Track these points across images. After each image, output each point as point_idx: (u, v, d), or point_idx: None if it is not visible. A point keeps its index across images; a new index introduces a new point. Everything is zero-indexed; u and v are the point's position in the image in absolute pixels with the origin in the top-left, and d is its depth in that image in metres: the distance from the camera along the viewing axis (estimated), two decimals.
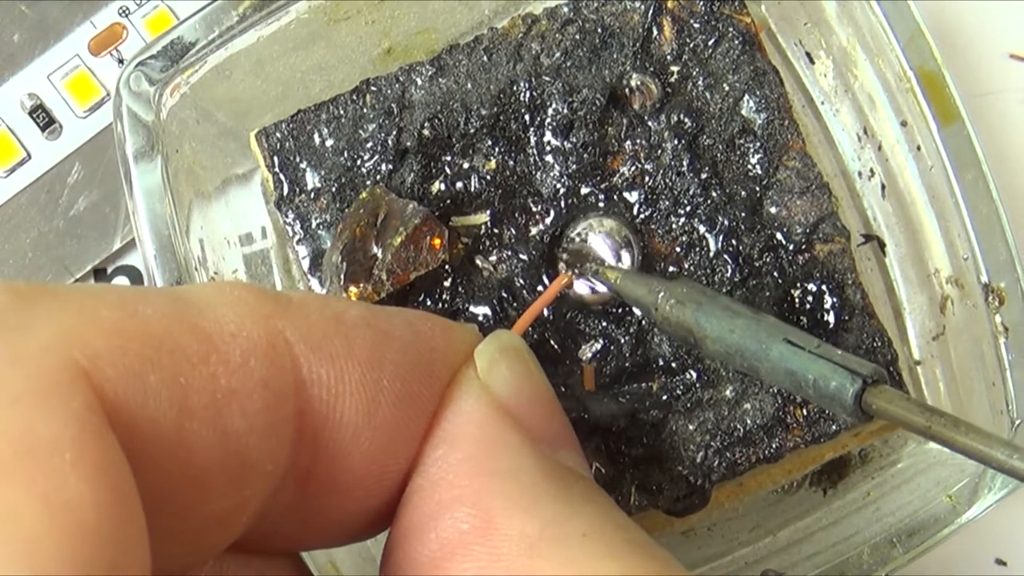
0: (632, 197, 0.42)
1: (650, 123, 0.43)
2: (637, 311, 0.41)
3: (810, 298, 0.42)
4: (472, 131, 0.43)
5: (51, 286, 0.26)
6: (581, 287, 0.42)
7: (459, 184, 0.43)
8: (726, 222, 0.42)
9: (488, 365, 0.32)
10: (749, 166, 0.43)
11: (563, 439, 0.33)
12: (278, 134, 0.43)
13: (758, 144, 0.43)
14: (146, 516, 0.23)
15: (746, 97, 0.43)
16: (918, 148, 0.44)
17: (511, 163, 0.43)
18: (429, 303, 0.42)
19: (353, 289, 0.40)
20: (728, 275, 0.42)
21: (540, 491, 0.29)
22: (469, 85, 0.43)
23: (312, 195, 0.43)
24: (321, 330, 0.28)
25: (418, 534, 0.29)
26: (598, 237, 0.42)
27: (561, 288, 0.41)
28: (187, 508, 0.26)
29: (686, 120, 0.43)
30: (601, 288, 0.41)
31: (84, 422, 0.22)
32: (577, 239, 0.42)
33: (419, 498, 0.29)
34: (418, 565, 0.29)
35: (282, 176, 0.43)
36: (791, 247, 0.42)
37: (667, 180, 0.42)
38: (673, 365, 0.41)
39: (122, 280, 0.51)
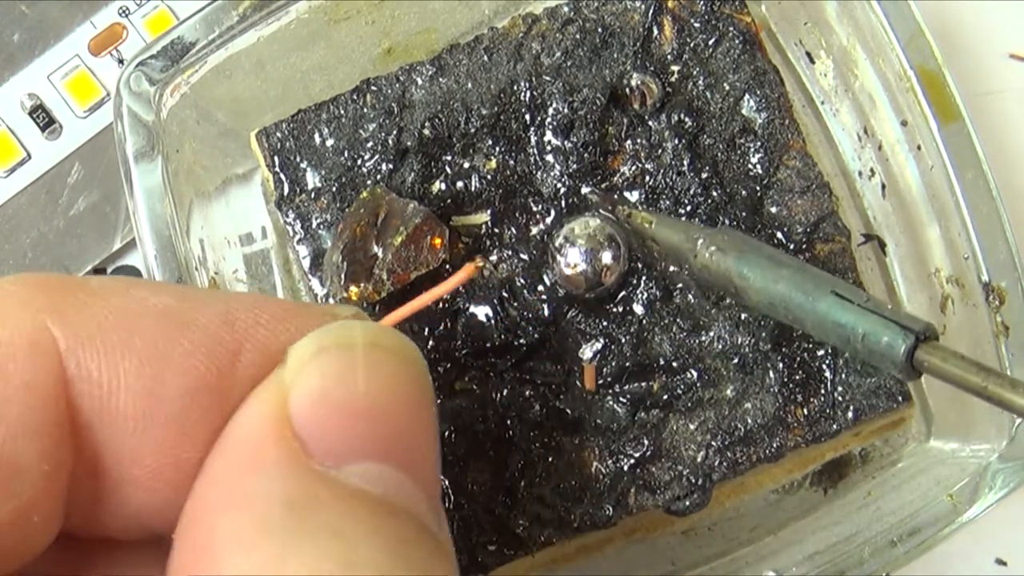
0: (633, 196, 0.42)
1: (650, 123, 0.43)
2: (638, 308, 0.41)
3: None
4: (472, 131, 0.43)
5: None
6: (570, 262, 0.41)
7: (459, 184, 0.43)
8: (727, 221, 0.42)
9: (297, 365, 0.29)
10: (749, 165, 0.43)
11: (374, 452, 0.28)
12: (278, 134, 0.43)
13: (758, 144, 0.43)
14: None
15: (746, 96, 0.43)
16: (918, 148, 0.44)
17: (511, 163, 0.43)
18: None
19: (354, 289, 0.40)
20: None
21: (272, 523, 0.26)
22: (469, 85, 0.43)
23: (312, 195, 0.43)
24: (97, 321, 0.27)
25: (177, 540, 0.27)
26: (577, 244, 0.41)
27: (467, 278, 0.38)
28: None
29: (686, 119, 0.43)
30: (580, 264, 0.41)
31: None
32: (563, 240, 0.42)
33: (185, 508, 0.28)
34: (170, 571, 0.27)
35: (282, 176, 0.43)
36: (791, 246, 0.42)
37: (668, 179, 0.42)
38: (674, 364, 0.41)
39: None
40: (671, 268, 0.41)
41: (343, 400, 0.28)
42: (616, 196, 0.41)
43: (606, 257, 0.41)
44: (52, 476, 0.27)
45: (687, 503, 0.41)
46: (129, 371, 0.27)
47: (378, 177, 0.42)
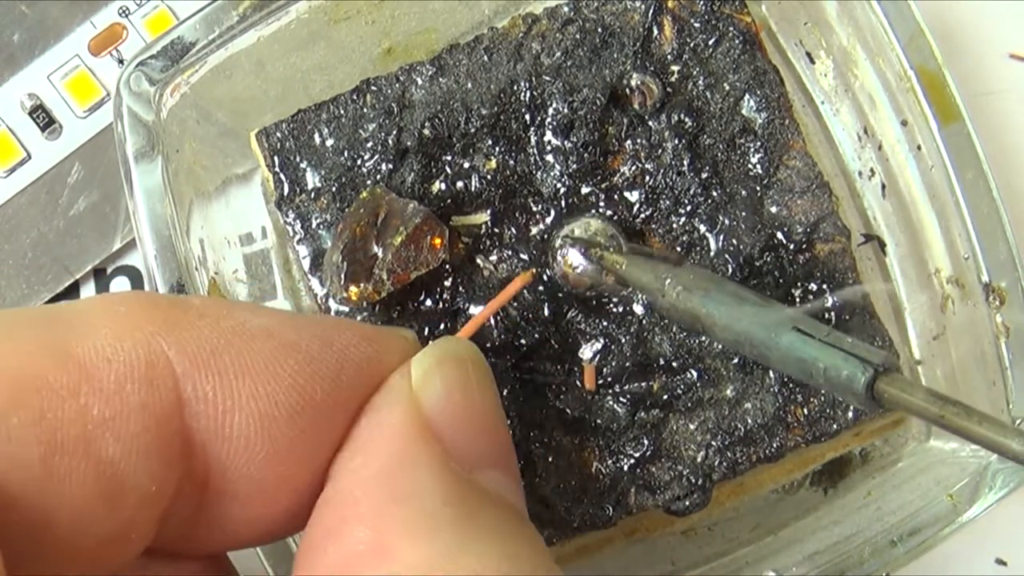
0: (633, 196, 0.42)
1: (650, 123, 0.43)
2: (638, 308, 0.41)
3: (811, 297, 0.42)
4: (472, 131, 0.43)
5: None
6: (571, 263, 0.41)
7: (459, 184, 0.42)
8: (727, 221, 0.42)
9: (423, 375, 0.31)
10: (749, 165, 0.43)
11: (490, 459, 0.31)
12: (278, 134, 0.43)
13: (758, 143, 0.43)
14: (19, 548, 0.23)
15: (746, 96, 0.43)
16: (918, 148, 0.44)
17: (511, 163, 0.43)
18: (429, 302, 0.42)
19: (354, 289, 0.40)
20: (729, 274, 0.42)
21: (441, 517, 0.28)
22: (469, 85, 0.43)
23: (312, 195, 0.43)
24: (211, 344, 0.28)
25: (322, 545, 0.28)
26: (578, 244, 0.41)
27: (521, 288, 0.40)
28: (70, 533, 0.26)
29: (686, 120, 0.43)
30: (580, 264, 0.41)
31: None
32: (563, 240, 0.42)
33: (327, 508, 0.29)
34: (316, 569, 0.28)
35: (282, 176, 0.43)
36: (791, 246, 0.42)
37: (668, 179, 0.42)
38: (674, 364, 0.41)
39: (122, 280, 0.51)
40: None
41: (466, 408, 0.31)
42: (588, 240, 0.42)
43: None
44: (157, 496, 0.28)
45: (687, 503, 0.41)
46: (243, 392, 0.28)
47: (378, 177, 0.42)
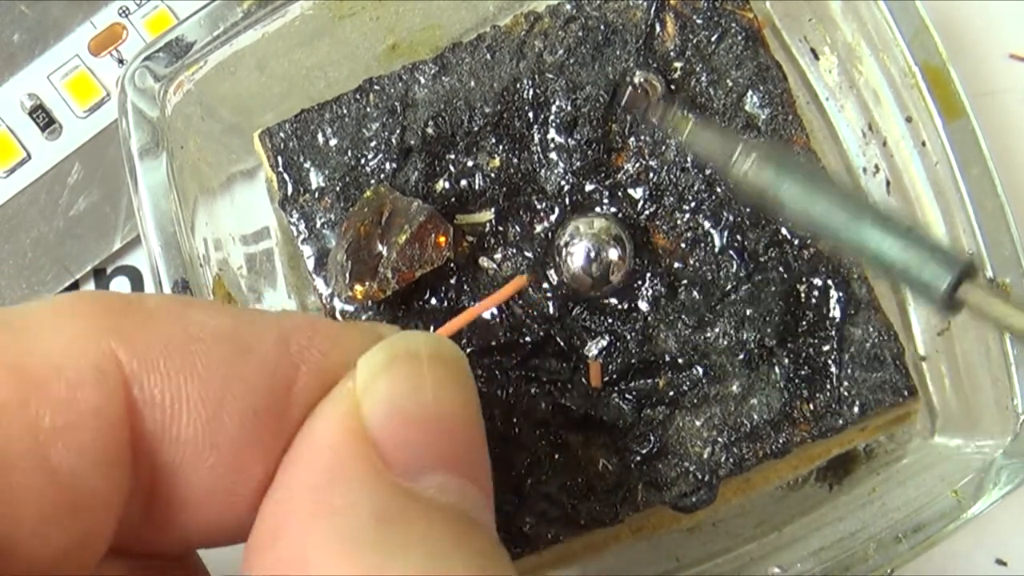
0: (636, 193, 0.42)
1: (654, 119, 0.43)
2: (643, 305, 0.41)
3: (816, 292, 0.42)
4: (476, 129, 0.43)
5: None
6: (576, 261, 0.41)
7: (463, 182, 0.42)
8: (731, 217, 0.42)
9: (368, 377, 0.29)
10: None
11: (445, 463, 0.29)
12: (281, 134, 0.43)
13: (762, 139, 0.43)
14: None
15: (749, 93, 0.43)
16: (923, 144, 0.44)
17: (515, 161, 0.43)
18: (434, 301, 0.41)
19: (358, 287, 0.40)
20: (734, 270, 0.42)
21: (365, 536, 0.26)
22: (472, 83, 0.43)
23: (316, 194, 0.43)
24: (161, 345, 0.27)
25: (256, 555, 0.28)
26: (583, 242, 0.41)
27: (514, 293, 0.39)
28: (29, 547, 0.25)
29: (690, 116, 0.43)
30: (585, 262, 0.41)
31: None
32: (568, 239, 0.42)
33: (262, 519, 0.28)
34: None
35: (286, 176, 0.43)
36: (796, 242, 0.42)
37: (671, 176, 0.42)
38: (679, 361, 0.41)
39: (122, 281, 0.51)
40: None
41: (414, 411, 0.29)
42: (654, 109, 0.40)
43: (612, 255, 0.41)
44: (114, 501, 0.27)
45: (694, 499, 0.41)
46: (192, 395, 0.27)
47: (382, 176, 0.42)
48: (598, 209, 0.42)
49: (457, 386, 0.30)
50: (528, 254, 0.42)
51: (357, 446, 0.28)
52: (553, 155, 0.42)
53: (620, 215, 0.42)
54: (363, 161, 0.43)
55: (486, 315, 0.41)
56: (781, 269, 0.42)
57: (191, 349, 0.28)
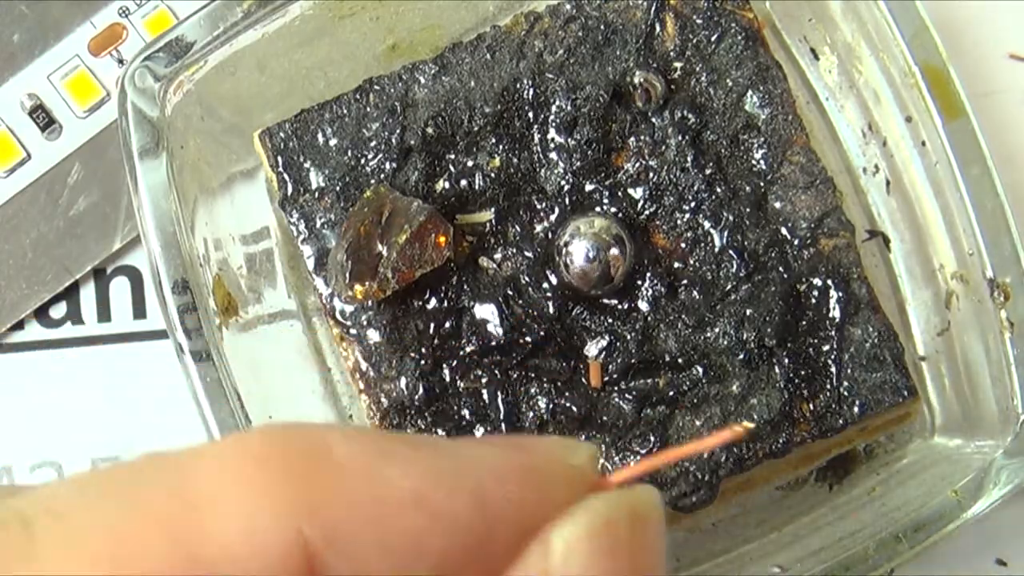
0: (636, 193, 0.42)
1: (654, 119, 0.43)
2: (643, 305, 0.41)
3: (815, 293, 0.42)
4: (476, 129, 0.43)
5: None
6: (576, 261, 0.41)
7: (463, 182, 0.42)
8: (731, 217, 0.42)
9: (564, 551, 0.26)
10: (753, 161, 0.43)
11: None
12: (281, 134, 0.43)
13: (762, 139, 0.43)
14: None
15: (749, 92, 0.43)
16: (923, 143, 0.44)
17: (515, 160, 0.43)
18: (434, 300, 0.41)
19: (358, 287, 0.40)
20: (733, 270, 0.42)
21: None
22: (472, 83, 0.43)
23: (316, 194, 0.43)
24: (349, 515, 0.25)
25: None
26: (583, 242, 0.41)
27: (727, 442, 0.33)
28: None
29: (690, 116, 0.43)
30: (586, 262, 0.41)
31: None
32: (568, 239, 0.41)
33: None
34: None
35: (286, 176, 0.43)
36: (796, 242, 0.42)
37: (671, 176, 0.42)
38: (679, 361, 0.41)
39: (122, 281, 0.50)
40: None
41: None
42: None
43: (612, 255, 0.41)
44: None
45: (694, 499, 0.41)
46: (381, 571, 0.25)
47: (382, 176, 0.42)
48: (598, 209, 0.42)
49: (655, 552, 0.28)
50: (528, 254, 0.42)
51: None
52: (553, 155, 0.42)
53: (620, 215, 0.42)
54: (363, 161, 0.43)
55: (486, 315, 0.41)
56: (781, 269, 0.42)
57: (382, 518, 0.25)
